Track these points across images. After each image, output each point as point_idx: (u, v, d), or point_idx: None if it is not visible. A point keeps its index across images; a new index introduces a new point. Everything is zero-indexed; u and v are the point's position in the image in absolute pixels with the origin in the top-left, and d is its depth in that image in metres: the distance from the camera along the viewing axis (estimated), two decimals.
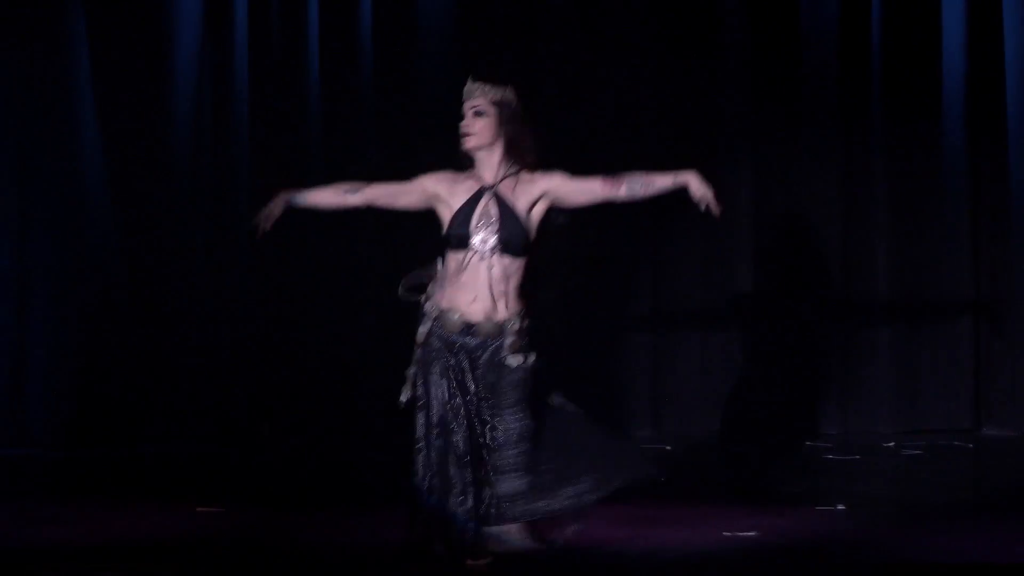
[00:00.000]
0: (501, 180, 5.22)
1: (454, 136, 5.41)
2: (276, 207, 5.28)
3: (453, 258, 5.20)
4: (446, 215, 5.23)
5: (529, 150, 5.25)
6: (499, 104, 5.21)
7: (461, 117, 5.29)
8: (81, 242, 8.73)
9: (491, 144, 5.22)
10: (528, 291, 5.25)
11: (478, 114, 5.20)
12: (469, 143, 5.21)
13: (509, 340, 5.18)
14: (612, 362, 9.11)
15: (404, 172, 5.43)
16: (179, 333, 8.74)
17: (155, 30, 8.81)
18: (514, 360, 5.18)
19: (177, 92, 8.81)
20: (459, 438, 5.13)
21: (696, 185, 5.14)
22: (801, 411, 9.08)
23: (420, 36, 8.94)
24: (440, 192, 5.24)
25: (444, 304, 5.21)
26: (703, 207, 5.17)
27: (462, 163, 5.29)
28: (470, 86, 5.24)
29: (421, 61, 8.95)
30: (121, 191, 8.71)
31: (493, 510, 5.16)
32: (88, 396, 8.58)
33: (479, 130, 5.20)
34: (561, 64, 9.00)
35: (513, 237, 5.16)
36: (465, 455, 5.14)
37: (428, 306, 5.24)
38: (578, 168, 5.32)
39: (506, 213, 5.17)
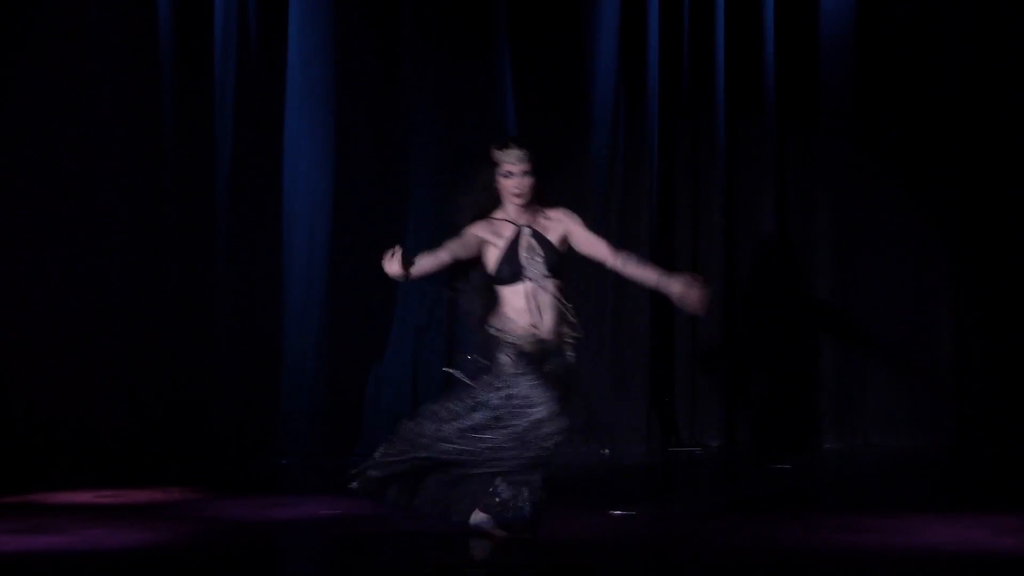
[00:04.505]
0: (535, 220, 5.99)
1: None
2: (393, 271, 5.79)
3: (508, 290, 5.93)
4: (492, 255, 5.96)
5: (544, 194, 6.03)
6: (535, 163, 5.97)
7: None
8: None
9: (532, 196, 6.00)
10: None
11: (527, 175, 5.95)
12: (520, 201, 5.96)
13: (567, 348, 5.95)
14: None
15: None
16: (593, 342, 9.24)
17: (575, 51, 9.37)
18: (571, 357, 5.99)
19: (595, 104, 9.36)
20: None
21: (679, 292, 5.84)
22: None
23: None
24: (486, 237, 5.97)
25: (515, 330, 5.91)
26: (688, 311, 5.95)
27: (486, 207, 6.03)
28: (519, 152, 5.95)
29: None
30: None
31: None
32: None
33: (528, 189, 5.95)
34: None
35: (554, 263, 5.94)
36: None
37: (494, 333, 5.95)
38: None
39: (546, 245, 5.95)
